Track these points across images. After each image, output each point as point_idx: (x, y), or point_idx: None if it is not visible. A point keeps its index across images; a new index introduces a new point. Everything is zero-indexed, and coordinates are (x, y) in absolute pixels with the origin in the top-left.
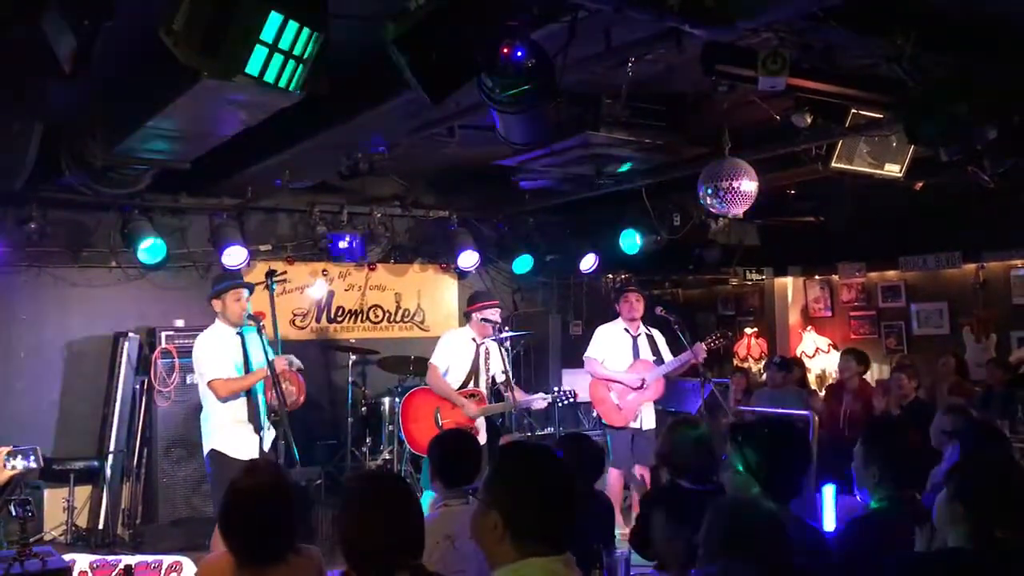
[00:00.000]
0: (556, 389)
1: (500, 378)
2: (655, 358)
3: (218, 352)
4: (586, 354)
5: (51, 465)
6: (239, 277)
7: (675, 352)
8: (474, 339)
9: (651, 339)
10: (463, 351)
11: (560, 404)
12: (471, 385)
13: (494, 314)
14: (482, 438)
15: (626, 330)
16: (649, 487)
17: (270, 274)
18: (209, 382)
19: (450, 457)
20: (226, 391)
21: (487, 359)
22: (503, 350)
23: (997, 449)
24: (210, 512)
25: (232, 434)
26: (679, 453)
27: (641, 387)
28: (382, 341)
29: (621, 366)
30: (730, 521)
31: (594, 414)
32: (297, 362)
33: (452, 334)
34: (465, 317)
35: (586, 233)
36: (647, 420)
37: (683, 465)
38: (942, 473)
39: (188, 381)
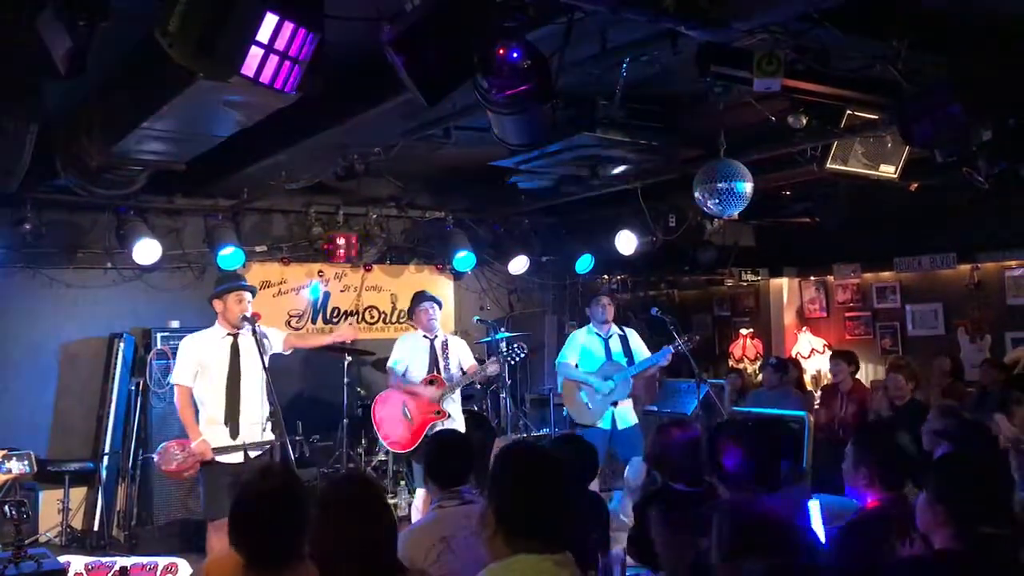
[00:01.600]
0: (504, 348)
1: (466, 365)
2: (627, 358)
3: (190, 357)
4: (557, 359)
5: (46, 466)
6: (240, 278)
7: (654, 349)
8: (425, 336)
9: (623, 339)
10: (416, 348)
11: (513, 362)
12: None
13: (422, 311)
14: (457, 423)
15: (597, 333)
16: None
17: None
18: (174, 383)
19: (442, 458)
20: (178, 402)
21: (445, 350)
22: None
23: (982, 448)
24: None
25: (211, 437)
26: (670, 456)
27: (610, 389)
28: (378, 342)
29: (594, 367)
30: (741, 522)
31: (564, 412)
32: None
33: (404, 337)
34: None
35: (582, 234)
36: (622, 419)
37: (675, 468)
38: None
39: None
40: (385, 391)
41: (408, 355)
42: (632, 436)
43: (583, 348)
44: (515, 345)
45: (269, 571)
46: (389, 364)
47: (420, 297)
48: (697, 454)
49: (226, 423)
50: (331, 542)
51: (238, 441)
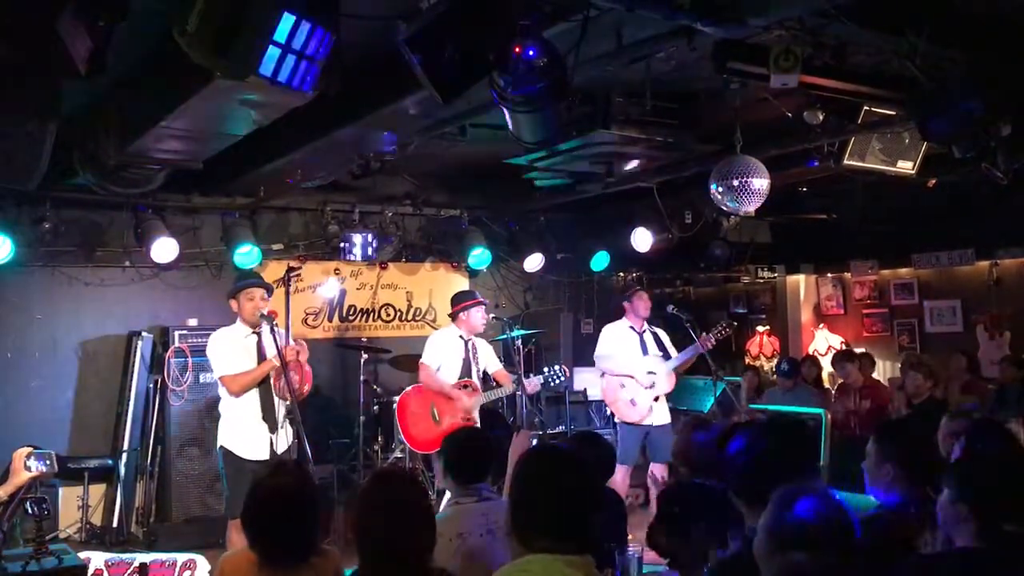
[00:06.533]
0: (547, 370)
1: (492, 369)
2: (661, 354)
3: (227, 348)
4: (596, 353)
5: (66, 463)
6: (256, 277)
7: (682, 349)
8: (462, 336)
9: (656, 336)
10: (453, 349)
11: (553, 383)
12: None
13: (479, 312)
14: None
15: (631, 328)
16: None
17: (289, 271)
18: (220, 377)
19: (461, 455)
20: (237, 386)
21: (475, 353)
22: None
23: (999, 445)
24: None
25: (243, 432)
26: (696, 452)
27: (653, 384)
28: (394, 340)
29: (630, 363)
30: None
31: (607, 411)
32: (304, 353)
33: (440, 333)
34: (451, 317)
35: (597, 231)
36: (660, 416)
37: (701, 464)
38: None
39: (201, 380)
40: (413, 387)
41: (444, 354)
42: (665, 433)
43: (619, 344)
44: (558, 367)
45: (284, 568)
46: (424, 360)
47: (467, 300)
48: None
49: (264, 419)
50: (376, 535)
51: (275, 437)
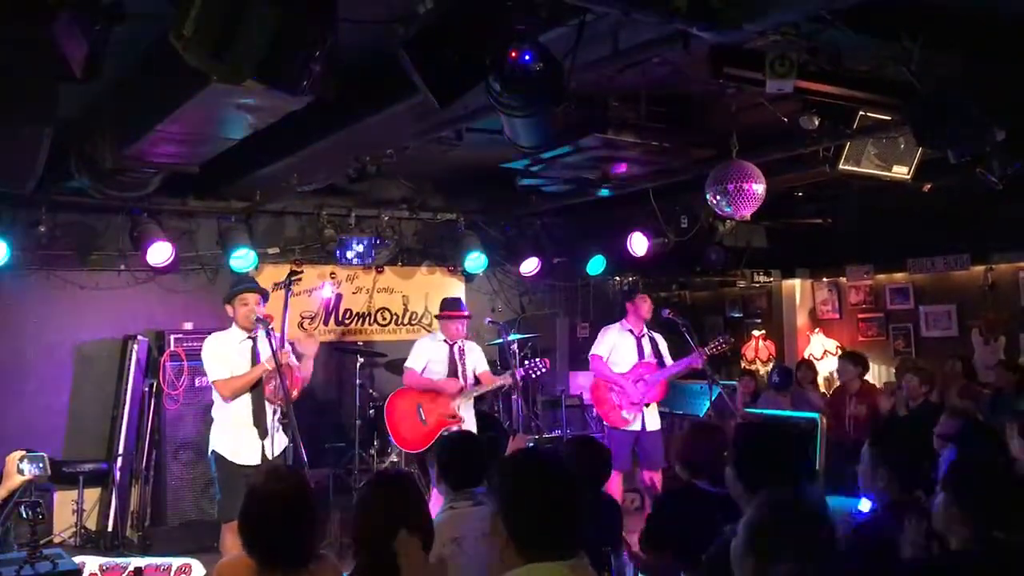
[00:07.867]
0: (527, 362)
1: (479, 370)
2: (656, 360)
3: (221, 352)
4: (592, 352)
5: (61, 467)
6: (251, 281)
7: (678, 355)
8: (446, 341)
9: (653, 341)
10: (437, 352)
11: (534, 376)
12: None
13: (454, 325)
14: (471, 429)
15: (630, 331)
16: (659, 490)
17: (291, 274)
18: (213, 382)
19: (455, 459)
20: (229, 390)
21: (462, 356)
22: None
23: (992, 451)
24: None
25: (234, 437)
26: (698, 455)
27: (643, 392)
28: (390, 344)
29: (626, 366)
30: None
31: (594, 414)
32: (294, 360)
33: (425, 339)
34: (438, 319)
35: (593, 235)
36: (651, 422)
37: (701, 467)
38: (940, 477)
39: (197, 384)
40: (399, 390)
41: (428, 358)
42: (655, 439)
43: (616, 346)
44: (538, 361)
45: (282, 573)
46: (408, 364)
47: (449, 306)
48: (722, 455)
49: (255, 424)
50: (373, 523)
51: (266, 442)
